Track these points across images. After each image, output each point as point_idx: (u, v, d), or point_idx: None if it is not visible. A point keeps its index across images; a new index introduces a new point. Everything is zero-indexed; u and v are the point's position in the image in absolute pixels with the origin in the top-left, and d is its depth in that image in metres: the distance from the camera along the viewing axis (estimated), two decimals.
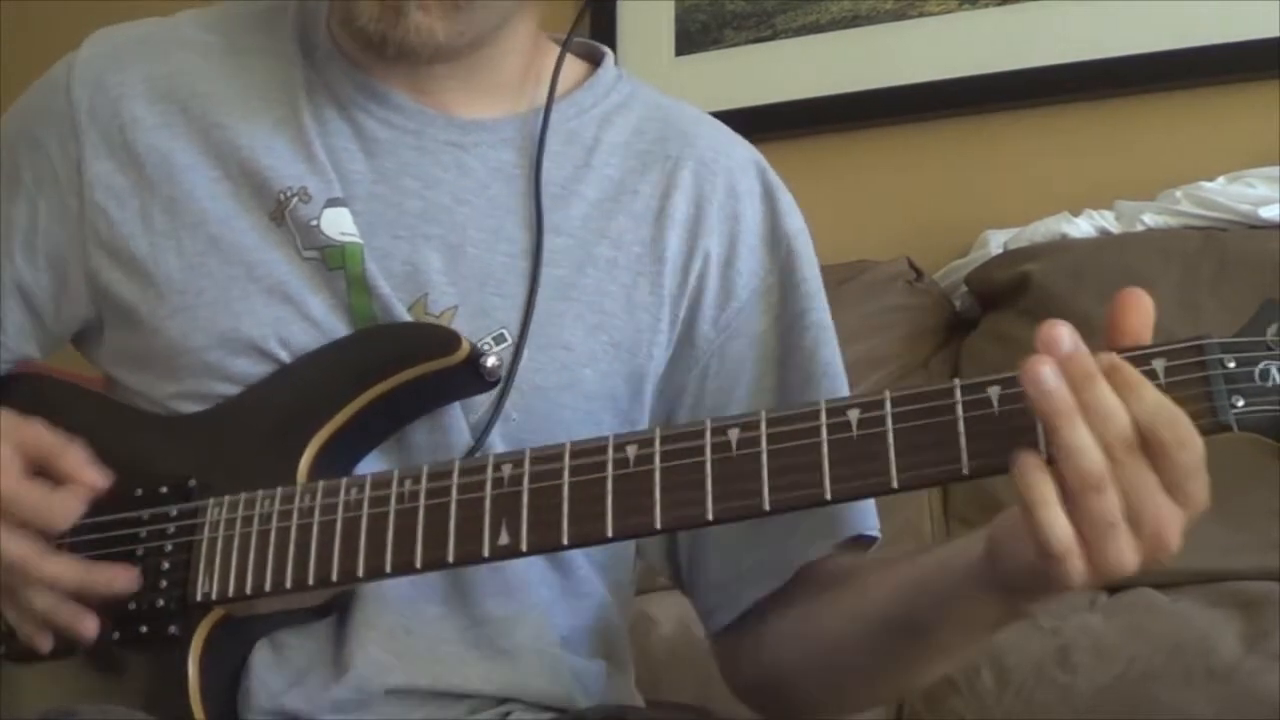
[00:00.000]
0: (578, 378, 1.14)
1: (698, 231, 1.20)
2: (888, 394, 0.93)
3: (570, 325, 1.15)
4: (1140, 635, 1.63)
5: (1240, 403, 0.87)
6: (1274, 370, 0.87)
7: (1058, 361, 0.87)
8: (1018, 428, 0.90)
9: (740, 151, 1.26)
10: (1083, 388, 0.87)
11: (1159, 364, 0.88)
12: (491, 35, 1.16)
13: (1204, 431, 0.87)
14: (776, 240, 1.22)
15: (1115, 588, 1.73)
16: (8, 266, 1.18)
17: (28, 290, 1.18)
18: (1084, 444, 0.87)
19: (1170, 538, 0.87)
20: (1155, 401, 0.87)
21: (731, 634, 1.20)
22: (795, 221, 1.24)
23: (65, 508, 1.06)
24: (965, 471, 0.91)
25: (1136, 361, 0.88)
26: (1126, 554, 0.87)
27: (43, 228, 1.17)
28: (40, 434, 1.08)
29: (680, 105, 1.28)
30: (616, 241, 1.18)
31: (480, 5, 1.12)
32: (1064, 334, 0.88)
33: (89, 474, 1.07)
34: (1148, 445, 0.86)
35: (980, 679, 1.66)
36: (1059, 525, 0.87)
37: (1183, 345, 0.89)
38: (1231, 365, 0.88)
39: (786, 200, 1.25)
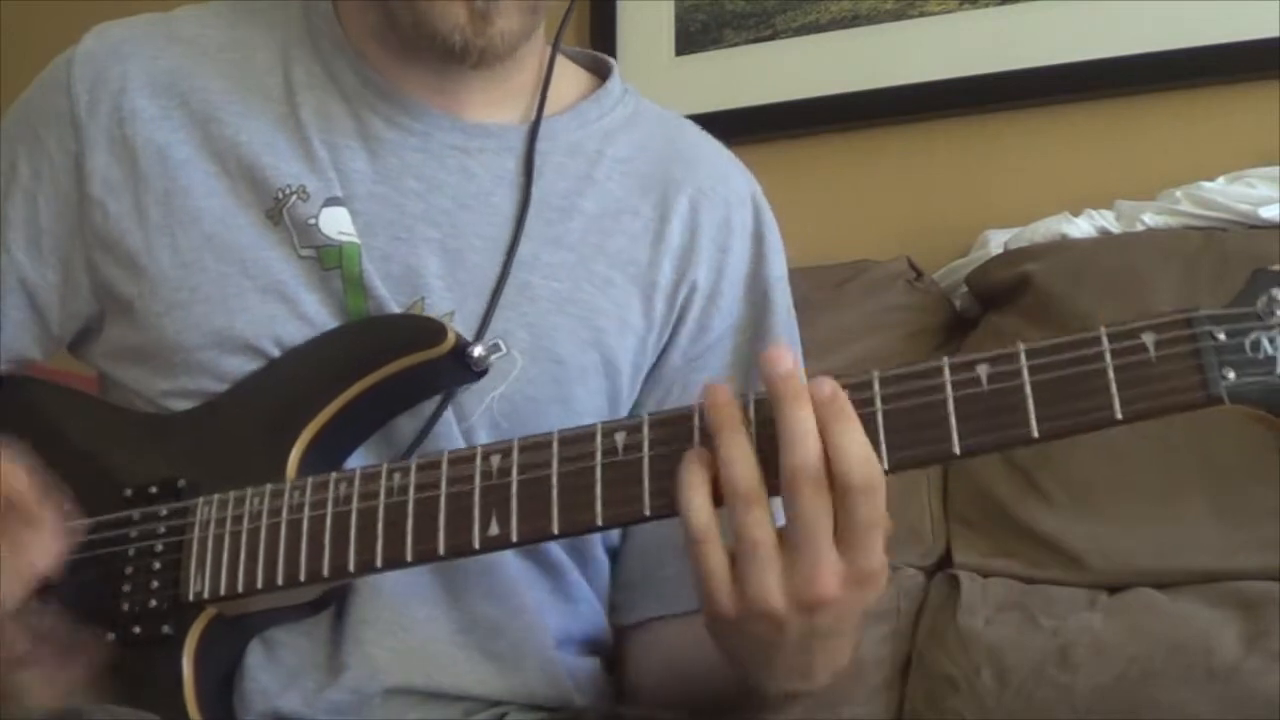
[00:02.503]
0: (569, 394, 1.14)
1: (689, 261, 1.20)
2: (875, 374, 0.93)
3: (564, 340, 1.15)
4: (1140, 635, 1.63)
5: (1231, 375, 0.86)
6: (1265, 341, 0.86)
7: (775, 379, 0.89)
8: (1007, 405, 0.90)
9: (740, 183, 1.26)
10: (785, 403, 0.89)
11: (1148, 337, 0.88)
12: (528, 36, 1.17)
13: (1196, 405, 0.87)
14: (756, 285, 1.23)
15: (1115, 588, 1.73)
16: (8, 263, 1.18)
17: (33, 287, 1.18)
18: (735, 457, 0.90)
19: (824, 587, 0.89)
20: (857, 443, 0.89)
21: (627, 634, 1.21)
22: (777, 268, 1.24)
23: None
24: (956, 451, 0.90)
25: (1125, 335, 0.88)
26: (770, 584, 0.89)
27: (45, 224, 1.17)
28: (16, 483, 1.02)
29: (684, 125, 1.28)
30: (613, 260, 1.18)
31: (545, 5, 1.14)
32: (785, 356, 0.91)
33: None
34: (833, 482, 0.88)
35: (980, 679, 1.66)
36: (699, 507, 0.90)
37: (1171, 318, 0.88)
38: (1222, 337, 0.87)
39: (774, 242, 1.25)
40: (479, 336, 1.12)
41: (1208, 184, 1.96)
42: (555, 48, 1.23)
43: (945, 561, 1.87)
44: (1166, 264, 1.88)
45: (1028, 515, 1.82)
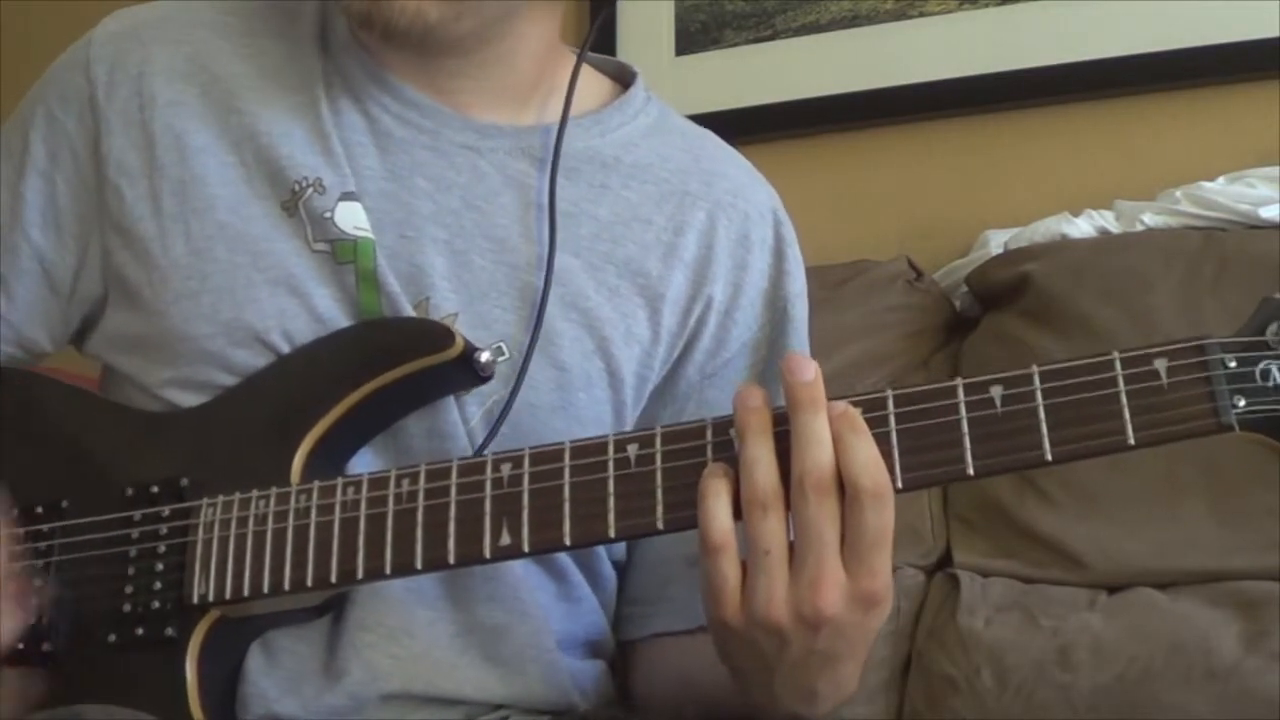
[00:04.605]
0: (571, 400, 1.13)
1: (704, 275, 1.19)
2: (890, 393, 0.93)
3: (568, 347, 1.14)
4: (1140, 635, 1.63)
5: (1242, 403, 0.87)
6: (1275, 370, 0.87)
7: (795, 385, 0.91)
8: (1021, 428, 0.90)
9: (760, 197, 1.25)
10: (802, 409, 0.90)
11: (1160, 364, 0.89)
12: (498, 30, 1.15)
13: (1207, 432, 0.88)
14: (775, 299, 1.22)
15: (1115, 588, 1.73)
16: (24, 244, 1.17)
17: (51, 267, 1.18)
18: (760, 459, 0.91)
19: (825, 599, 0.89)
20: (869, 450, 0.90)
21: (634, 649, 1.21)
22: (797, 284, 1.24)
23: None
24: (970, 472, 0.91)
25: (1138, 361, 0.89)
26: (776, 595, 0.90)
27: (63, 205, 1.17)
28: None
29: (706, 138, 1.27)
30: (622, 268, 1.17)
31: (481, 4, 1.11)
32: (810, 365, 0.92)
33: None
34: (846, 492, 0.89)
35: (980, 679, 1.66)
36: (721, 516, 0.91)
37: (1184, 345, 0.89)
38: (1233, 365, 0.88)
39: (794, 257, 1.24)
40: (525, 361, 1.11)
41: (1208, 184, 1.97)
42: (580, 58, 1.22)
43: (945, 561, 1.87)
44: (1166, 264, 1.88)
45: (1028, 515, 1.82)
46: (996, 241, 2.07)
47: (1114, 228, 2.00)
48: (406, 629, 1.09)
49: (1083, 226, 2.02)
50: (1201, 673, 1.57)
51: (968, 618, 1.73)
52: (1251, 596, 1.64)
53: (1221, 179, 1.97)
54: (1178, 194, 1.98)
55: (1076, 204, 2.06)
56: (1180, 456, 1.74)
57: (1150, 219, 1.98)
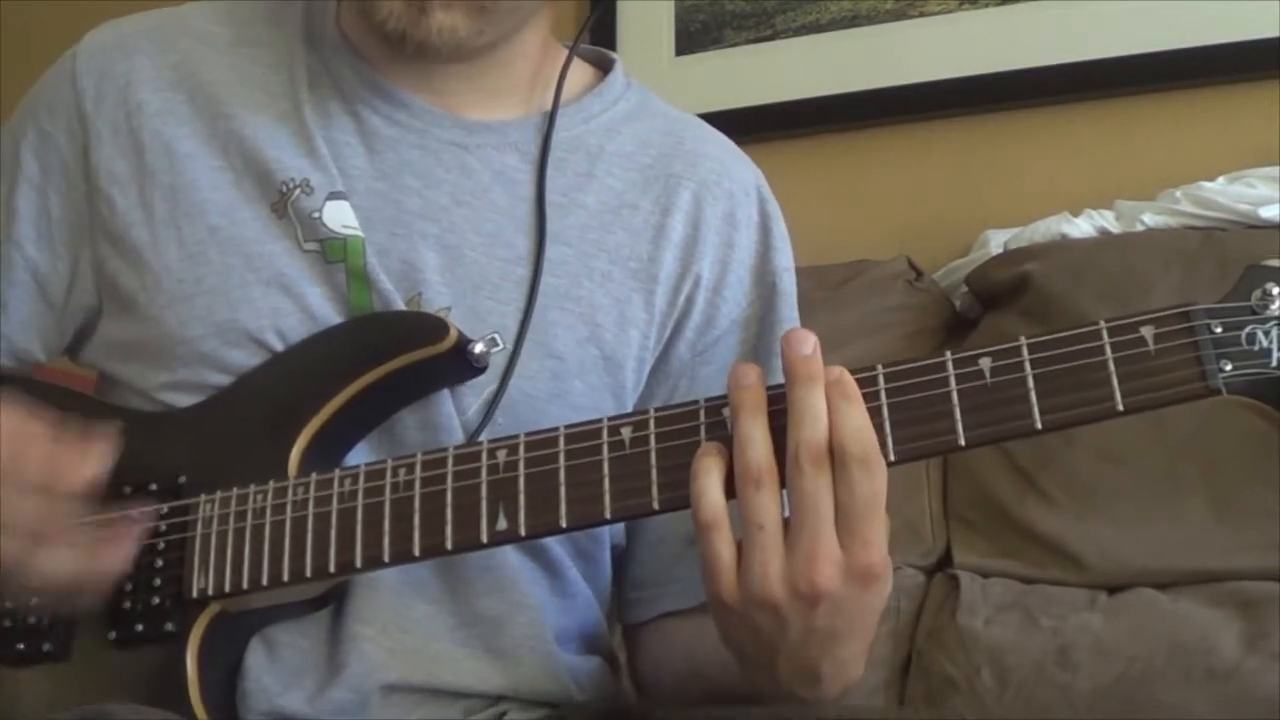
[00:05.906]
0: (567, 389, 1.14)
1: (692, 254, 1.20)
2: (880, 368, 0.94)
3: (563, 335, 1.15)
4: (1140, 635, 1.63)
5: (1228, 366, 0.89)
6: (1259, 334, 0.89)
7: (796, 359, 0.91)
8: (1011, 397, 0.91)
9: (744, 175, 1.26)
10: (800, 383, 0.91)
11: (1147, 331, 0.90)
12: (507, 39, 1.16)
13: (1194, 396, 0.89)
14: (763, 274, 1.23)
15: (1115, 588, 1.73)
16: (18, 257, 1.18)
17: (44, 279, 1.18)
18: (754, 437, 0.91)
19: (821, 573, 0.89)
20: (858, 417, 0.90)
21: (642, 631, 1.22)
22: (784, 258, 1.24)
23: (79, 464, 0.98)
24: (961, 442, 0.92)
25: (1125, 329, 0.90)
26: (771, 571, 0.90)
27: (55, 217, 1.18)
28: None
29: (687, 120, 1.28)
30: (613, 255, 1.18)
31: (504, 6, 1.12)
32: (809, 338, 0.92)
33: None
34: (834, 459, 0.89)
35: (980, 678, 1.66)
36: (711, 494, 0.91)
37: (1170, 312, 0.90)
38: (1218, 330, 0.89)
39: (780, 232, 1.25)
40: (516, 349, 1.12)
41: (1208, 184, 1.97)
42: (573, 52, 1.23)
43: (945, 561, 1.88)
44: (1166, 264, 1.88)
45: (1028, 515, 1.82)
46: (996, 241, 2.07)
47: (1114, 228, 2.01)
48: (405, 622, 1.09)
49: (1083, 226, 2.02)
50: (1201, 673, 1.57)
51: (968, 618, 1.73)
52: (1251, 596, 1.65)
53: (1221, 179, 1.97)
54: (1178, 194, 1.98)
55: (1076, 204, 2.06)
56: (1180, 457, 1.75)
57: (1150, 219, 1.98)
